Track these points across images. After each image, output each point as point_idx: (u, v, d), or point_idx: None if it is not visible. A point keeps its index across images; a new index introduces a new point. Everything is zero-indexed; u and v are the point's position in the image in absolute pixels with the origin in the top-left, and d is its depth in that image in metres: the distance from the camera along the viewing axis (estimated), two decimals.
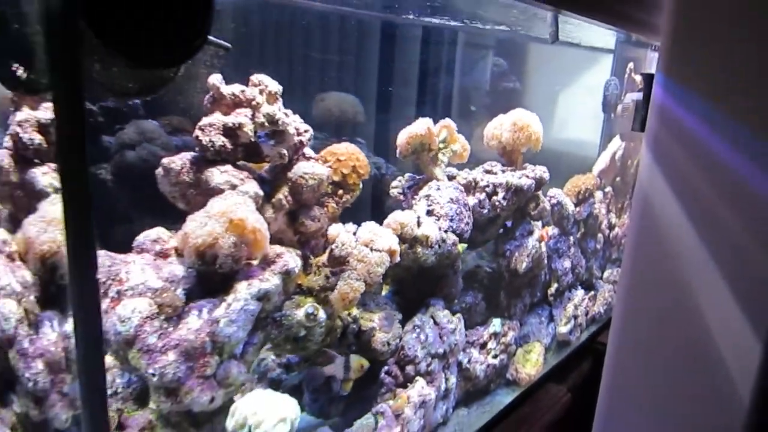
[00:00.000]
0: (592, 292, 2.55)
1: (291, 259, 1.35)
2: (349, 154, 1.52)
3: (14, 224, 1.32)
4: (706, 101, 1.62)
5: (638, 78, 2.34)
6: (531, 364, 2.09)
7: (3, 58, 0.94)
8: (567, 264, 2.28)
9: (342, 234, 1.43)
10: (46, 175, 1.30)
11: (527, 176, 1.93)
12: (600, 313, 2.60)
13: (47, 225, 1.22)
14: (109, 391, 1.35)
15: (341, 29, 2.21)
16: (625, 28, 2.23)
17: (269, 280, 1.31)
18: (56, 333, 1.23)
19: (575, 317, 2.36)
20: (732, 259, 1.61)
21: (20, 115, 1.28)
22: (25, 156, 1.29)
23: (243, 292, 1.28)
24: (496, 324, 1.93)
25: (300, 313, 1.39)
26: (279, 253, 1.36)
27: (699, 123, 1.64)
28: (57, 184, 1.31)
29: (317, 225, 1.48)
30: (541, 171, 1.99)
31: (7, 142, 1.30)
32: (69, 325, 1.24)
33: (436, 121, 1.87)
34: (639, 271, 1.77)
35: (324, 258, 1.49)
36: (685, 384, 1.73)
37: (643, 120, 2.47)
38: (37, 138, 1.28)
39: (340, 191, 1.52)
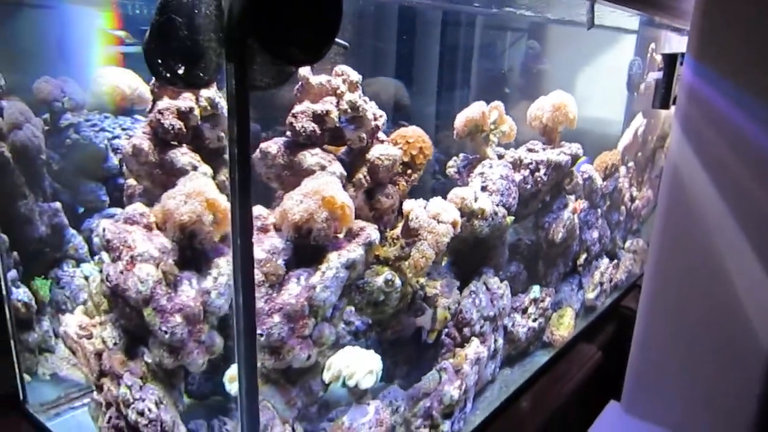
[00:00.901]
0: (615, 261, 2.75)
1: (372, 231, 1.51)
2: (417, 136, 1.68)
3: (148, 199, 1.49)
4: (733, 81, 1.79)
5: (659, 58, 2.51)
6: (564, 327, 2.29)
7: (166, 59, 1.11)
8: (595, 235, 2.47)
9: (416, 208, 1.59)
10: (185, 155, 1.47)
11: (564, 153, 2.07)
12: (622, 280, 2.81)
13: (187, 198, 1.38)
14: None
15: (378, 15, 2.36)
16: (651, 13, 2.38)
17: (355, 251, 1.47)
18: (194, 290, 1.40)
19: (601, 284, 2.56)
20: (756, 226, 1.80)
21: (161, 105, 1.45)
22: (164, 139, 1.46)
23: (335, 261, 1.44)
24: (535, 291, 2.13)
25: (380, 281, 1.56)
26: (362, 226, 1.52)
27: (726, 101, 1.82)
28: (195, 162, 1.49)
29: (390, 202, 1.65)
30: (576, 148, 2.14)
31: (145, 128, 1.46)
32: (207, 282, 1.41)
33: (468, 103, 2.04)
34: (669, 237, 1.96)
35: (398, 231, 1.64)
36: (710, 339, 1.93)
37: (663, 98, 2.65)
38: (177, 123, 1.45)
39: (409, 170, 1.69)
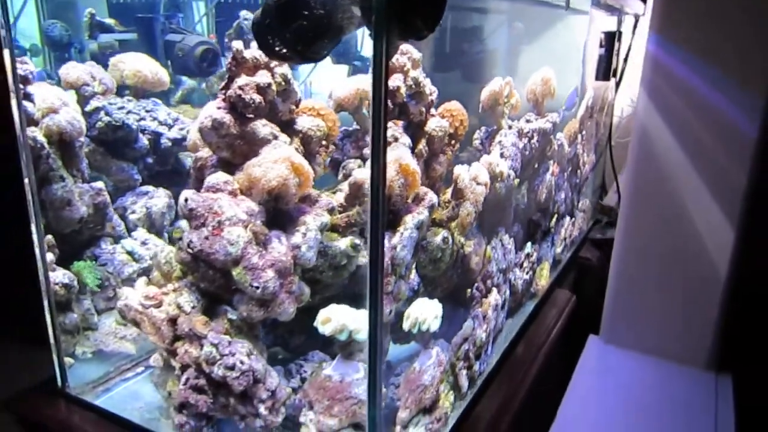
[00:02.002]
0: (573, 219, 2.89)
1: (433, 196, 1.53)
2: (458, 110, 1.70)
3: (222, 168, 1.42)
4: (692, 51, 1.94)
5: (602, 36, 2.67)
6: (543, 278, 2.40)
7: (284, 36, 1.08)
8: (563, 196, 2.60)
9: (463, 173, 1.61)
10: (265, 127, 1.41)
11: (549, 121, 2.13)
12: (576, 235, 2.97)
13: (273, 164, 1.35)
14: None
15: None
16: None
17: (423, 213, 1.49)
18: (284, 246, 1.36)
19: (564, 240, 2.70)
20: (714, 177, 1.96)
21: (240, 81, 1.39)
22: (243, 113, 1.40)
23: (410, 223, 1.46)
24: (528, 247, 2.22)
25: (438, 239, 1.57)
26: (425, 191, 1.53)
27: (685, 68, 1.96)
28: (276, 132, 1.43)
29: (441, 169, 1.67)
30: (555, 117, 2.19)
31: (219, 104, 1.40)
32: (296, 238, 1.38)
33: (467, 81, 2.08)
34: (640, 190, 2.10)
35: (448, 195, 1.66)
36: (677, 273, 2.09)
37: (605, 71, 2.80)
38: (258, 98, 1.39)
39: (453, 141, 1.70)
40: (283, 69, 1.44)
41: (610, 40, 2.66)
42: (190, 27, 2.94)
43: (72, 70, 1.87)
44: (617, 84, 3.22)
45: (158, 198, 2.05)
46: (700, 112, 2.01)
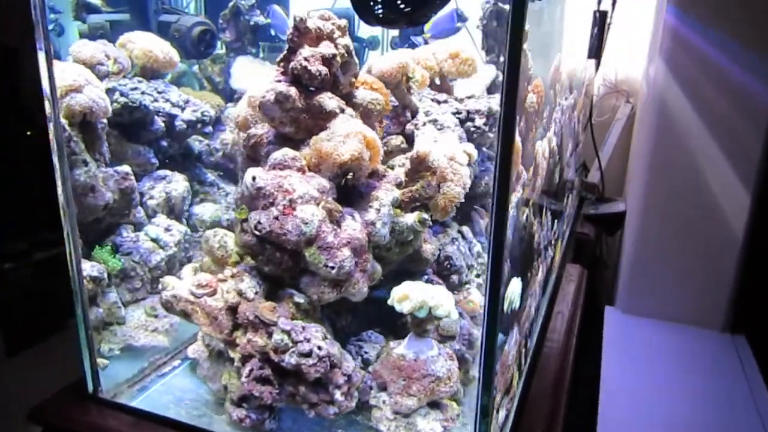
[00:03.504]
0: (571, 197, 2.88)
1: (395, 173, 1.41)
2: (379, 84, 1.53)
3: (286, 144, 1.29)
4: (710, 24, 1.94)
5: (596, 14, 2.65)
6: (558, 253, 2.39)
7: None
8: (571, 173, 2.58)
9: (434, 151, 1.40)
10: (332, 100, 1.29)
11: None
12: (571, 213, 2.98)
13: (345, 138, 1.24)
14: None
15: None
16: None
17: (393, 190, 1.37)
18: (358, 222, 1.27)
19: (568, 216, 2.71)
20: (729, 142, 1.97)
21: (305, 52, 1.26)
22: (308, 85, 1.27)
23: (385, 199, 1.33)
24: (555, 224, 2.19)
25: (410, 220, 1.38)
26: (383, 168, 1.41)
27: (704, 41, 1.95)
28: (343, 105, 1.31)
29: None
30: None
31: (278, 77, 1.27)
32: (369, 215, 1.29)
33: None
34: (659, 160, 2.09)
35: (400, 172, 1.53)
36: (694, 240, 2.10)
37: (597, 50, 2.79)
38: (324, 69, 1.27)
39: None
40: (345, 40, 1.33)
41: (602, 18, 2.65)
42: (181, 7, 2.74)
43: (84, 48, 1.69)
44: (597, 63, 3.24)
45: (177, 182, 1.90)
46: (718, 82, 2.01)
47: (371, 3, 1.00)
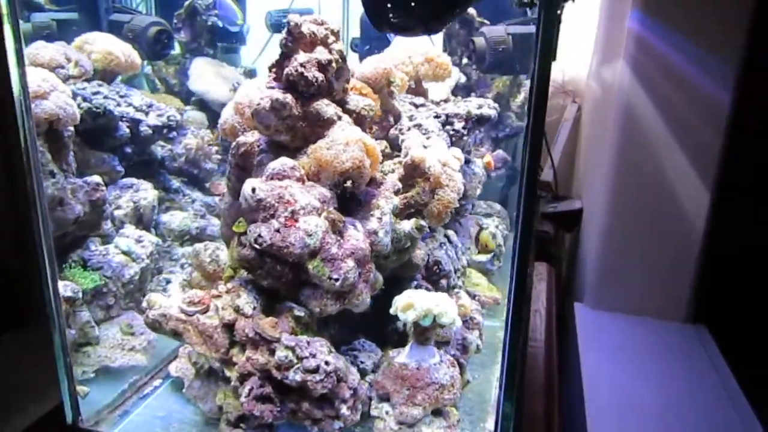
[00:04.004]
0: None
1: (393, 180, 1.37)
2: (368, 89, 1.53)
3: (280, 152, 1.24)
4: (671, 28, 2.02)
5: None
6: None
7: (408, 7, 0.95)
8: None
9: (429, 157, 1.40)
10: (329, 106, 1.25)
11: (489, 106, 1.92)
12: None
13: (345, 146, 1.20)
14: None
15: None
16: None
17: (392, 198, 1.34)
18: (361, 232, 1.23)
19: None
20: (690, 142, 2.07)
21: (301, 58, 1.20)
22: (304, 92, 1.22)
23: (386, 207, 1.31)
24: None
25: (407, 226, 1.36)
26: (381, 175, 1.38)
27: (665, 45, 2.04)
28: (339, 113, 1.27)
29: None
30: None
31: (272, 83, 1.21)
32: (371, 224, 1.26)
33: None
34: (625, 156, 2.17)
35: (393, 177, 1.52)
36: (659, 237, 2.20)
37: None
38: (320, 76, 1.21)
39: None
40: (339, 45, 1.29)
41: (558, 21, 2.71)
42: (130, 6, 2.61)
43: (43, 50, 1.58)
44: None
45: (145, 191, 1.80)
46: (679, 85, 2.09)
47: (386, 9, 0.97)
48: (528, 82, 2.78)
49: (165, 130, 1.93)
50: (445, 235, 1.67)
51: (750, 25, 1.93)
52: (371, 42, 2.55)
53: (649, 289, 2.25)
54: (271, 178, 1.20)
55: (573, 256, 2.84)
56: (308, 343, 1.20)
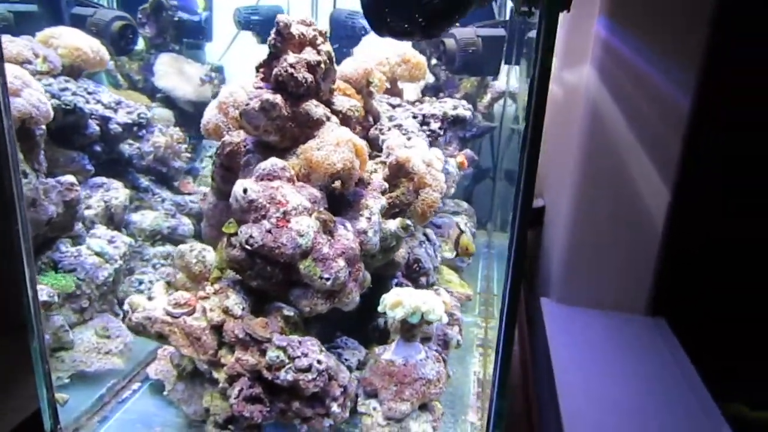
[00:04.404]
0: None
1: (380, 180, 1.40)
2: (351, 89, 1.54)
3: (267, 153, 1.24)
4: (635, 34, 2.11)
5: None
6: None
7: (409, 12, 0.97)
8: None
9: (414, 157, 1.44)
10: (318, 107, 1.25)
11: (463, 107, 2.03)
12: None
13: (336, 147, 1.21)
14: None
15: None
16: None
17: (380, 198, 1.37)
18: (350, 232, 1.25)
19: None
20: (652, 143, 2.17)
21: (290, 59, 1.20)
22: (293, 93, 1.22)
23: (375, 207, 1.33)
24: None
25: (393, 226, 1.38)
26: (367, 175, 1.41)
27: (629, 50, 2.13)
28: (328, 113, 1.28)
29: None
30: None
31: (260, 83, 1.20)
32: (361, 223, 1.27)
33: None
34: (591, 156, 2.25)
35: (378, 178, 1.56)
36: (623, 233, 2.29)
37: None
38: (310, 77, 1.21)
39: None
40: (327, 46, 1.30)
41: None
42: None
43: (10, 45, 1.52)
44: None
45: (116, 190, 1.76)
46: (642, 87, 2.18)
47: (386, 15, 0.99)
48: (494, 83, 2.84)
49: (135, 128, 1.89)
50: (424, 234, 1.70)
51: (709, 31, 2.04)
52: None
53: (612, 283, 2.34)
54: (262, 179, 1.20)
55: (536, 252, 2.92)
56: (300, 342, 1.21)
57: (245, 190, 1.17)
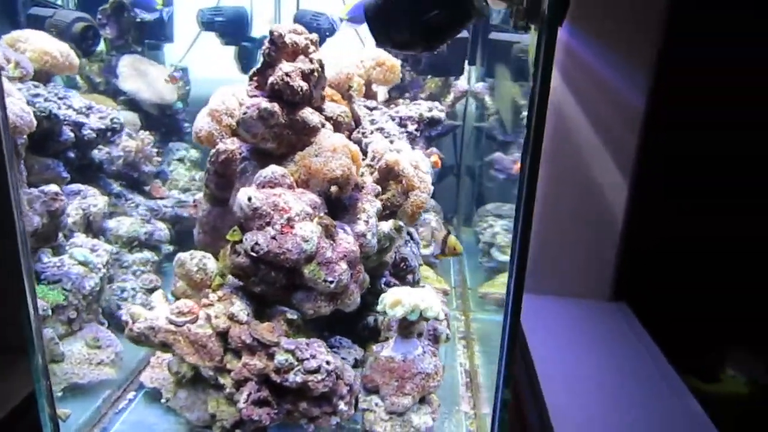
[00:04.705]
0: None
1: (373, 184, 1.44)
2: (338, 95, 1.57)
3: (264, 160, 1.28)
4: (594, 38, 2.24)
5: None
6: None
7: (411, 26, 1.01)
8: None
9: (402, 160, 1.47)
10: (313, 114, 1.29)
11: (437, 109, 2.09)
12: None
13: (333, 153, 1.25)
14: None
15: None
16: None
17: (375, 201, 1.41)
18: (350, 235, 1.30)
19: None
20: (610, 140, 2.31)
21: (285, 67, 1.22)
22: (289, 101, 1.25)
23: (371, 211, 1.37)
24: None
25: (386, 227, 1.42)
26: (362, 179, 1.43)
27: (589, 53, 2.25)
28: (323, 120, 1.32)
29: None
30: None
31: (255, 91, 1.23)
32: (359, 226, 1.32)
33: None
34: (556, 151, 2.37)
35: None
36: (585, 227, 2.43)
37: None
38: (305, 85, 1.24)
39: None
40: (318, 54, 1.33)
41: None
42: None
43: None
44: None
45: (94, 197, 1.74)
46: (601, 89, 2.31)
47: (390, 28, 1.03)
48: (456, 83, 2.91)
49: (109, 133, 1.86)
50: (409, 233, 1.76)
51: (662, 36, 2.18)
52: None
53: (577, 273, 2.48)
54: (263, 186, 1.23)
55: None
56: (307, 344, 1.25)
57: (250, 198, 1.19)
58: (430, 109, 1.92)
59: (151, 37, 2.55)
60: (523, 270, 1.11)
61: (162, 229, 2.01)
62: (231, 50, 2.63)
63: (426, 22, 0.99)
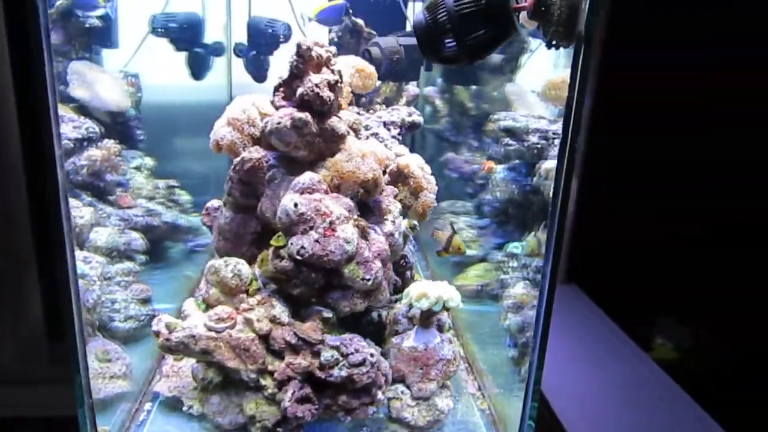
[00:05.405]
0: None
1: (391, 187, 1.56)
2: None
3: (292, 167, 1.37)
4: None
5: None
6: None
7: (461, 40, 1.12)
8: None
9: (412, 163, 1.60)
10: (340, 123, 1.38)
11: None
12: None
13: (362, 158, 1.34)
14: None
15: None
16: None
17: (397, 203, 1.53)
18: (381, 235, 1.40)
19: None
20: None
21: (314, 79, 1.29)
22: (317, 110, 1.35)
23: (396, 212, 1.50)
24: None
25: (403, 227, 1.51)
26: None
27: None
28: (348, 128, 1.44)
29: None
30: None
31: (282, 102, 1.30)
32: (387, 227, 1.44)
33: None
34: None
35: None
36: None
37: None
38: (332, 95, 1.32)
39: None
40: (338, 66, 1.42)
41: None
42: None
43: None
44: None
45: (78, 209, 1.71)
46: None
47: (441, 44, 1.14)
48: (408, 87, 3.06)
49: (85, 143, 1.82)
50: None
51: (604, 41, 2.46)
52: (260, 48, 2.61)
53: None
54: (302, 192, 1.30)
55: None
56: (350, 340, 1.34)
57: (296, 204, 1.26)
58: (410, 114, 2.05)
59: (97, 42, 2.47)
60: (557, 266, 1.25)
61: (137, 239, 1.99)
62: (180, 56, 2.60)
63: (473, 40, 1.12)
